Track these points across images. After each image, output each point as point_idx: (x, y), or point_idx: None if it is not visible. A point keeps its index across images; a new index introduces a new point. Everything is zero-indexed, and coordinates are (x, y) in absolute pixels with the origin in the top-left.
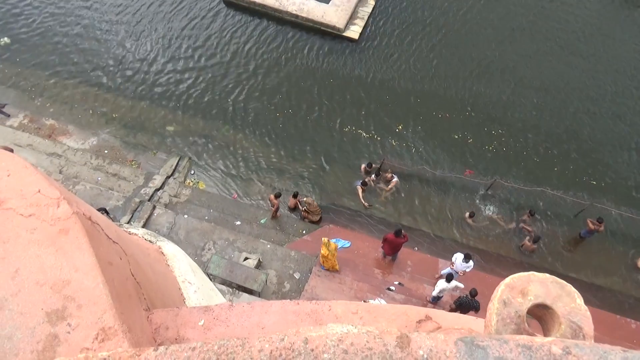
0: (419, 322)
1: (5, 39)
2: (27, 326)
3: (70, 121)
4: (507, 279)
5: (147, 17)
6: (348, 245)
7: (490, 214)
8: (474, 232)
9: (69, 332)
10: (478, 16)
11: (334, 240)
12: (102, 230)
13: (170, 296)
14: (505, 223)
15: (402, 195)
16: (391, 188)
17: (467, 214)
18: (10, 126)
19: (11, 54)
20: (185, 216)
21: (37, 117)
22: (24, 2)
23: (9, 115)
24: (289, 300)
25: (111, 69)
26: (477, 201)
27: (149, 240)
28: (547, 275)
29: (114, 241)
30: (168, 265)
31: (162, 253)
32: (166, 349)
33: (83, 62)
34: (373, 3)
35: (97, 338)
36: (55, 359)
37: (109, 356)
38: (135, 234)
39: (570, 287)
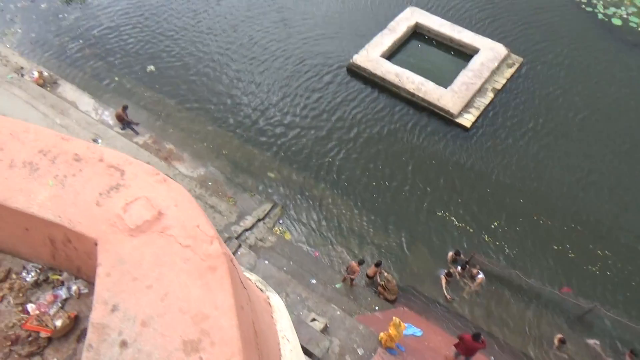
0: None
1: (152, 66)
2: (166, 349)
3: (186, 149)
4: None
5: (271, 70)
6: (420, 334)
7: (584, 343)
8: (561, 359)
9: None
10: (596, 125)
11: (405, 324)
12: (238, 273)
13: (272, 350)
14: (602, 357)
15: (487, 296)
16: (476, 285)
17: (557, 337)
18: (136, 143)
19: (152, 80)
20: (266, 262)
21: (159, 140)
22: (171, 38)
23: (137, 133)
24: None
25: (229, 108)
26: (570, 325)
27: (260, 289)
28: None
29: (244, 286)
30: (272, 317)
31: (269, 304)
32: None
33: (207, 98)
34: (492, 96)
35: None
36: None
37: None
38: (249, 279)
39: None
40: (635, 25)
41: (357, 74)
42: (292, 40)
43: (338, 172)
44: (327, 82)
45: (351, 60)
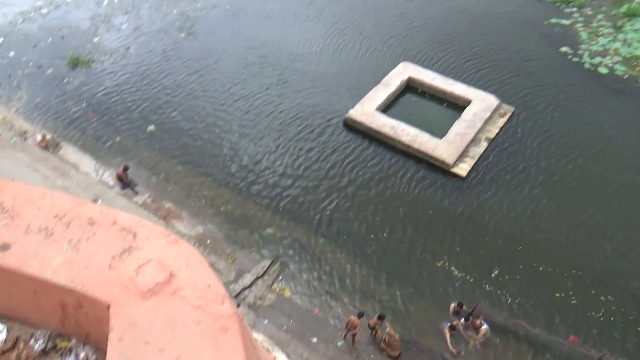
0: None
1: (152, 126)
2: None
3: (184, 207)
4: None
5: (266, 124)
6: None
7: None
8: None
9: None
10: (588, 169)
11: None
12: (249, 334)
13: None
14: None
15: (492, 348)
16: (480, 337)
17: None
18: (135, 202)
19: (152, 140)
20: (266, 321)
21: (158, 199)
22: (170, 98)
23: (137, 193)
24: None
25: (226, 165)
26: None
27: (267, 349)
28: None
29: (253, 346)
30: None
31: None
32: None
33: (205, 156)
34: (486, 145)
35: None
36: None
37: None
38: (256, 339)
39: None
40: (621, 74)
41: (353, 127)
42: (288, 96)
43: (335, 224)
44: (322, 135)
45: (347, 115)
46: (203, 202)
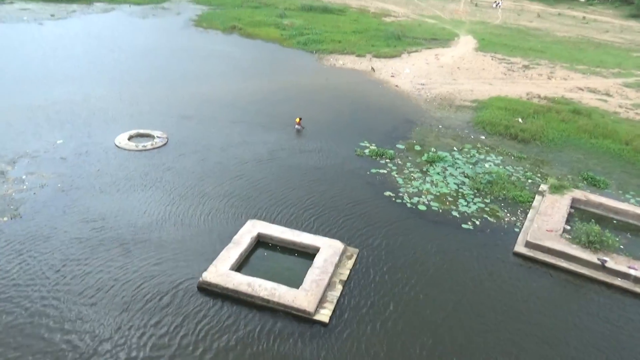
0: None
1: None
2: None
3: None
4: None
5: (105, 301)
6: None
7: None
8: None
9: None
10: (425, 291)
11: None
12: None
13: None
14: None
15: None
16: None
17: None
18: None
19: None
20: None
21: None
22: None
23: None
24: None
25: (60, 356)
26: None
27: None
28: None
29: None
30: None
31: None
32: None
33: (31, 351)
34: (341, 288)
35: None
36: None
37: None
38: None
39: None
40: (436, 209)
41: (209, 290)
42: (131, 268)
43: None
44: (172, 303)
45: (201, 279)
46: None
